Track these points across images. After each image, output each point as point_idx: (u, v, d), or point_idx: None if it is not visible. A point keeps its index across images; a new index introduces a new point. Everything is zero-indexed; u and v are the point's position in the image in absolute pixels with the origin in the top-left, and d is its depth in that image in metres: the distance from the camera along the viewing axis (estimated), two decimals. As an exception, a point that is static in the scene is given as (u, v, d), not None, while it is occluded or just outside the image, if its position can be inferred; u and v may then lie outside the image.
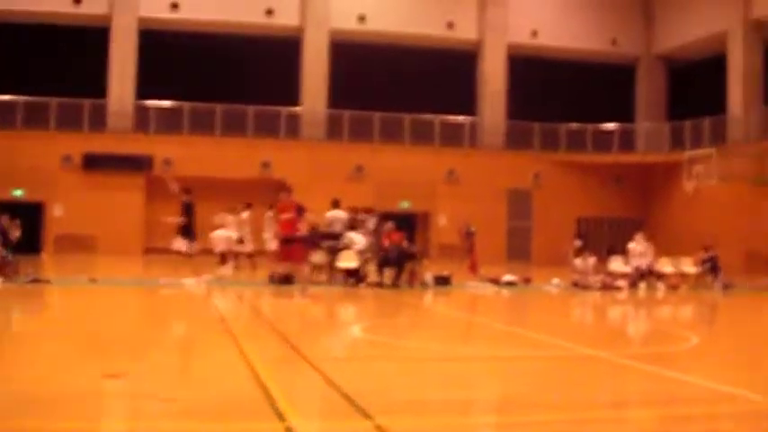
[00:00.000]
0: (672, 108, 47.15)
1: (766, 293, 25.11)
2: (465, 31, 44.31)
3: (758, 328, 16.43)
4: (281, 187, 22.98)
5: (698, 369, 10.63)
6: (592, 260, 25.22)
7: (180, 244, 23.06)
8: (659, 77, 47.89)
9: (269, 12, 41.44)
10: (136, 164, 38.75)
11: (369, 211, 26.03)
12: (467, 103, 44.40)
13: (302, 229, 19.87)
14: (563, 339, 12.99)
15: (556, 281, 24.94)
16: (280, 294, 20.11)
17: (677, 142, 41.79)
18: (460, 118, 43.40)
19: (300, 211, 19.73)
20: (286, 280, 21.39)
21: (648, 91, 47.68)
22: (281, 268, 21.75)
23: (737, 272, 31.61)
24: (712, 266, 26.45)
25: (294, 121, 41.36)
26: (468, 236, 27.11)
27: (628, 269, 25.61)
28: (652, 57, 47.34)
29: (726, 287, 25.43)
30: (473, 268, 26.16)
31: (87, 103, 39.21)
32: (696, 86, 45.04)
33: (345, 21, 42.32)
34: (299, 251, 19.73)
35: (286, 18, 41.89)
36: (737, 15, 40.31)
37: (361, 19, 42.48)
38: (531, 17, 45.04)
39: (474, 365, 10.77)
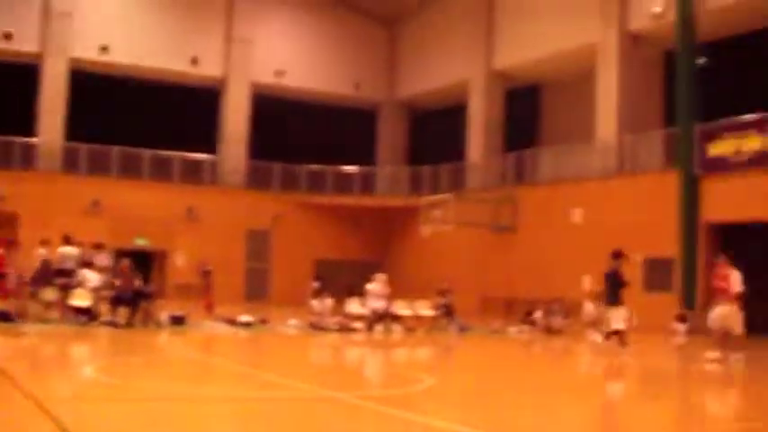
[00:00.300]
0: (412, 153, 48.19)
1: (499, 336, 25.64)
2: (209, 68, 43.64)
3: (491, 370, 16.58)
4: (12, 220, 21.90)
5: (432, 410, 10.56)
6: (329, 301, 25.06)
7: None
8: (401, 123, 48.94)
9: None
10: None
11: (98, 246, 25.02)
12: (209, 140, 43.65)
13: (12, 265, 18.93)
14: (300, 381, 12.69)
15: (293, 321, 24.63)
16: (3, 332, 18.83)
17: (417, 187, 42.65)
18: (202, 155, 42.59)
19: (10, 245, 18.78)
20: (4, 317, 20.14)
21: (390, 135, 48.59)
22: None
23: (472, 315, 32.32)
24: (448, 310, 26.87)
25: (30, 152, 39.27)
26: (205, 275, 26.54)
27: (365, 311, 25.56)
28: (394, 102, 48.30)
29: (461, 330, 25.83)
30: (209, 308, 25.55)
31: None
32: (437, 133, 46.28)
33: (87, 51, 40.74)
34: (7, 287, 18.81)
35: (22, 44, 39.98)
36: (479, 66, 41.63)
37: (104, 49, 40.96)
38: (276, 56, 44.91)
39: (209, 407, 10.30)
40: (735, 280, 18.26)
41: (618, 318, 19.05)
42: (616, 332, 19.10)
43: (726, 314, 18.11)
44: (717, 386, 15.34)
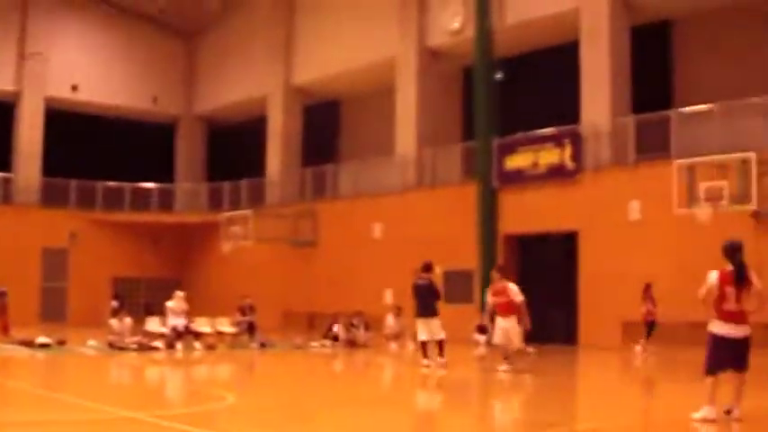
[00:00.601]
0: (211, 169, 47.83)
1: (301, 351, 25.74)
2: (1, 83, 42.21)
3: (293, 385, 16.65)
4: None
5: (233, 428, 10.54)
6: (128, 320, 24.60)
7: None
8: (199, 138, 48.58)
9: None
10: None
11: None
12: (2, 157, 42.16)
13: None
14: (101, 402, 12.37)
15: (92, 342, 24.11)
16: None
17: (216, 203, 42.37)
18: (-9, 172, 41.15)
19: None
20: None
21: (188, 151, 48.16)
22: None
23: (275, 330, 32.36)
24: (250, 326, 26.83)
25: None
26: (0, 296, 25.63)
27: (165, 329, 25.22)
28: (193, 117, 47.91)
29: (263, 346, 25.81)
30: (5, 330, 24.71)
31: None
32: (236, 148, 46.05)
33: None
34: None
35: None
36: (278, 81, 41.74)
37: None
38: (71, 71, 43.75)
39: (6, 432, 9.92)
40: (513, 291, 18.26)
41: (435, 329, 19.22)
42: (439, 342, 19.25)
43: (507, 327, 18.16)
44: (518, 394, 15.90)
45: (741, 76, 28.22)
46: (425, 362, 19.05)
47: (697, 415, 10.53)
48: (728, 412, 10.65)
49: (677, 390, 16.40)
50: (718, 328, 10.66)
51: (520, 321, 18.37)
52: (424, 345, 19.36)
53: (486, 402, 14.49)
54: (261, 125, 42.93)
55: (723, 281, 10.59)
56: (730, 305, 10.57)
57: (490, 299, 18.88)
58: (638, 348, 24.58)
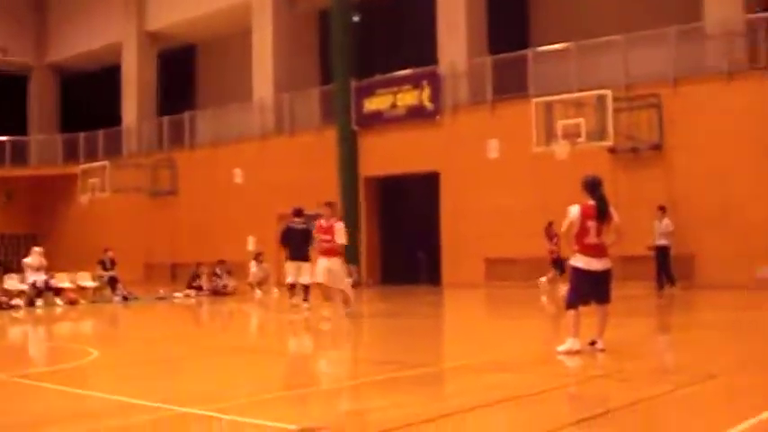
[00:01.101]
0: (66, 120, 46.55)
1: (166, 302, 25.44)
2: None
3: (158, 338, 16.38)
4: None
5: (100, 383, 10.30)
6: (-15, 279, 23.87)
7: None
8: (52, 88, 47.20)
9: None
10: None
11: None
12: None
13: None
14: (-45, 364, 11.94)
15: (-55, 303, 23.28)
16: None
17: (72, 155, 41.27)
18: None
19: None
20: None
21: (41, 102, 46.77)
22: None
23: (138, 283, 31.90)
24: (111, 279, 26.38)
25: None
26: None
27: (24, 287, 24.53)
28: (45, 66, 46.44)
29: (125, 299, 25.44)
30: None
31: None
32: (91, 98, 44.91)
33: None
34: None
35: None
36: (131, 27, 40.82)
37: None
38: None
39: None
40: (339, 232, 17.35)
41: (305, 273, 19.51)
42: (306, 286, 19.52)
43: (330, 267, 17.20)
44: (382, 336, 15.99)
45: (595, 15, 28.71)
46: (294, 301, 19.32)
47: (562, 347, 10.73)
48: (593, 343, 10.88)
49: (544, 325, 16.78)
50: (580, 261, 10.84)
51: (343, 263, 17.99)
52: (292, 287, 19.85)
53: (355, 345, 14.51)
54: (116, 73, 41.93)
55: (584, 215, 10.75)
56: (591, 239, 10.75)
57: (317, 235, 17.81)
58: (542, 280, 24.46)
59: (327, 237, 17.28)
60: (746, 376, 9.21)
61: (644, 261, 23.23)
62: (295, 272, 19.83)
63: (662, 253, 23.05)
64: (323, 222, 17.50)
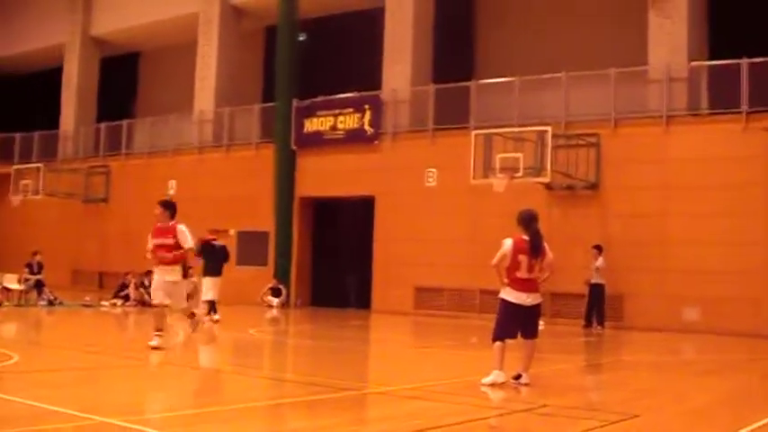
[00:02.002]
0: (2, 119, 45.74)
1: (92, 309, 25.11)
2: None
3: (83, 345, 16.13)
4: None
5: (19, 388, 10.06)
6: None
7: None
8: (-11, 87, 46.34)
9: None
10: None
11: None
12: None
13: None
14: None
15: None
16: None
17: (6, 154, 40.56)
18: None
19: None
20: None
21: (-22, 100, 45.88)
22: None
23: (65, 288, 31.41)
24: (38, 283, 26.00)
25: None
26: None
27: (-53, 285, 24.11)
28: (-19, 65, 45.69)
29: (50, 304, 25.11)
30: None
31: None
32: (30, 99, 44.27)
33: None
34: None
35: None
36: (75, 30, 40.37)
37: None
38: None
39: None
40: (182, 235, 14.64)
41: (216, 288, 20.10)
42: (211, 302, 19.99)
43: (170, 281, 14.57)
44: (307, 358, 15.89)
45: (543, 51, 28.98)
46: (216, 317, 20.43)
47: (486, 379, 10.72)
48: (518, 377, 10.89)
49: (470, 355, 16.79)
50: (510, 295, 10.87)
51: (186, 274, 17.33)
52: (213, 303, 21.01)
53: (277, 365, 14.41)
54: (57, 76, 41.43)
55: (517, 249, 10.78)
56: (522, 273, 10.78)
57: (150, 241, 14.94)
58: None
59: (167, 241, 14.63)
60: (666, 417, 9.28)
61: (573, 298, 23.43)
62: (211, 287, 20.98)
63: (596, 291, 23.23)
64: (161, 224, 15.07)
